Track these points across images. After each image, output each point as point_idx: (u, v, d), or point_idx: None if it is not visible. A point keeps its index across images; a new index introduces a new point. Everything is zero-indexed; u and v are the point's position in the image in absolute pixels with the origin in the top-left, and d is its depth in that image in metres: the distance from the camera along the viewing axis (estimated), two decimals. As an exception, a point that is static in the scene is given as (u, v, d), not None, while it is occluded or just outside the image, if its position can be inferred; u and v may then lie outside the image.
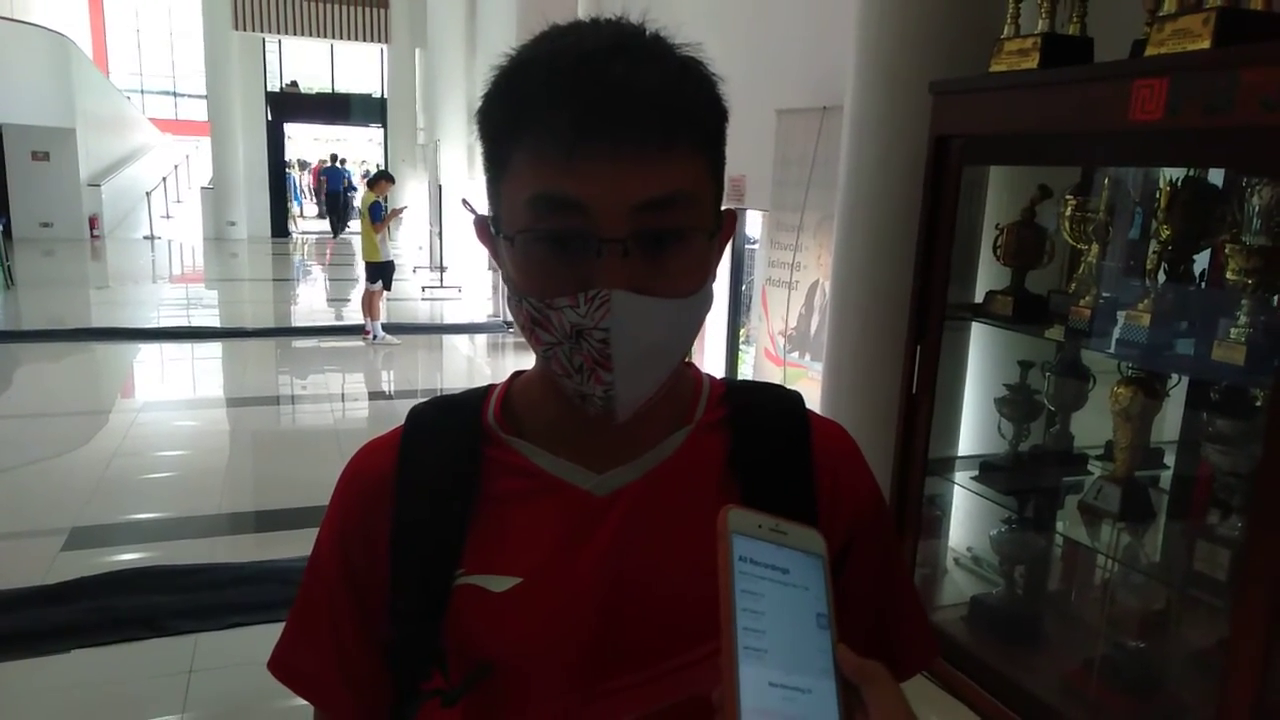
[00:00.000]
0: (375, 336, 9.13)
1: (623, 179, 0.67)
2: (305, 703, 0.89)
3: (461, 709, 0.80)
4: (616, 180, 0.67)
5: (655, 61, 0.71)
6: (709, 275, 0.76)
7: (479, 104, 0.75)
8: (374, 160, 23.36)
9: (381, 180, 9.32)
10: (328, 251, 19.03)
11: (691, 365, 0.90)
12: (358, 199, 22.26)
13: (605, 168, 0.67)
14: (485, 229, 0.79)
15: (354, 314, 9.85)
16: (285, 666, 0.88)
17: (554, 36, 0.73)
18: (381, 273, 9.01)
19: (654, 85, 0.69)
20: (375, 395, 7.79)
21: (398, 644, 0.82)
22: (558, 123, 0.67)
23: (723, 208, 0.79)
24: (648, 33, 0.73)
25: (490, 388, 0.89)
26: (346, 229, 21.74)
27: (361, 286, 9.23)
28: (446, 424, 0.86)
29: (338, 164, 22.84)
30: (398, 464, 0.84)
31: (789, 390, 0.90)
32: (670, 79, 0.70)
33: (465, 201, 9.30)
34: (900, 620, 0.89)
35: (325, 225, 22.69)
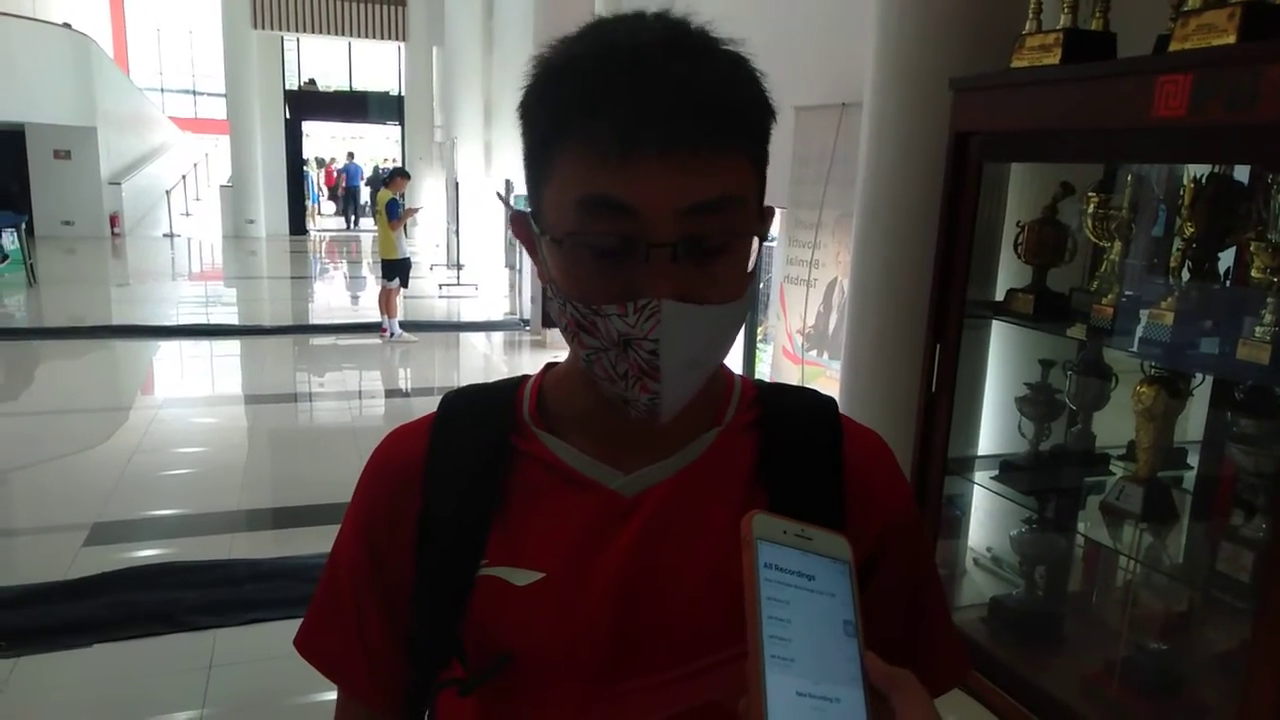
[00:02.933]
0: (392, 334, 9.18)
1: (674, 181, 0.65)
2: (323, 697, 0.89)
3: (479, 702, 0.80)
4: (668, 182, 0.65)
5: (709, 59, 0.69)
6: (752, 278, 0.75)
7: (521, 95, 0.73)
8: (382, 158, 24.55)
9: (397, 177, 9.35)
10: (346, 249, 19.15)
11: (723, 366, 0.89)
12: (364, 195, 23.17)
13: (656, 169, 0.65)
14: (524, 225, 0.77)
15: (371, 311, 9.90)
16: (311, 646, 0.88)
17: (604, 30, 0.70)
18: (398, 270, 9.04)
19: (710, 84, 0.67)
20: (393, 393, 7.83)
21: (418, 631, 0.82)
22: (611, 122, 0.65)
23: None
24: (693, 26, 0.70)
25: (524, 378, 0.88)
26: (357, 224, 22.69)
27: (380, 284, 9.25)
28: (478, 414, 0.85)
29: (354, 161, 24.31)
30: (428, 452, 0.83)
31: (823, 395, 0.89)
32: (724, 77, 0.68)
33: (500, 194, 9.31)
34: (931, 633, 0.87)
35: (342, 223, 23.23)
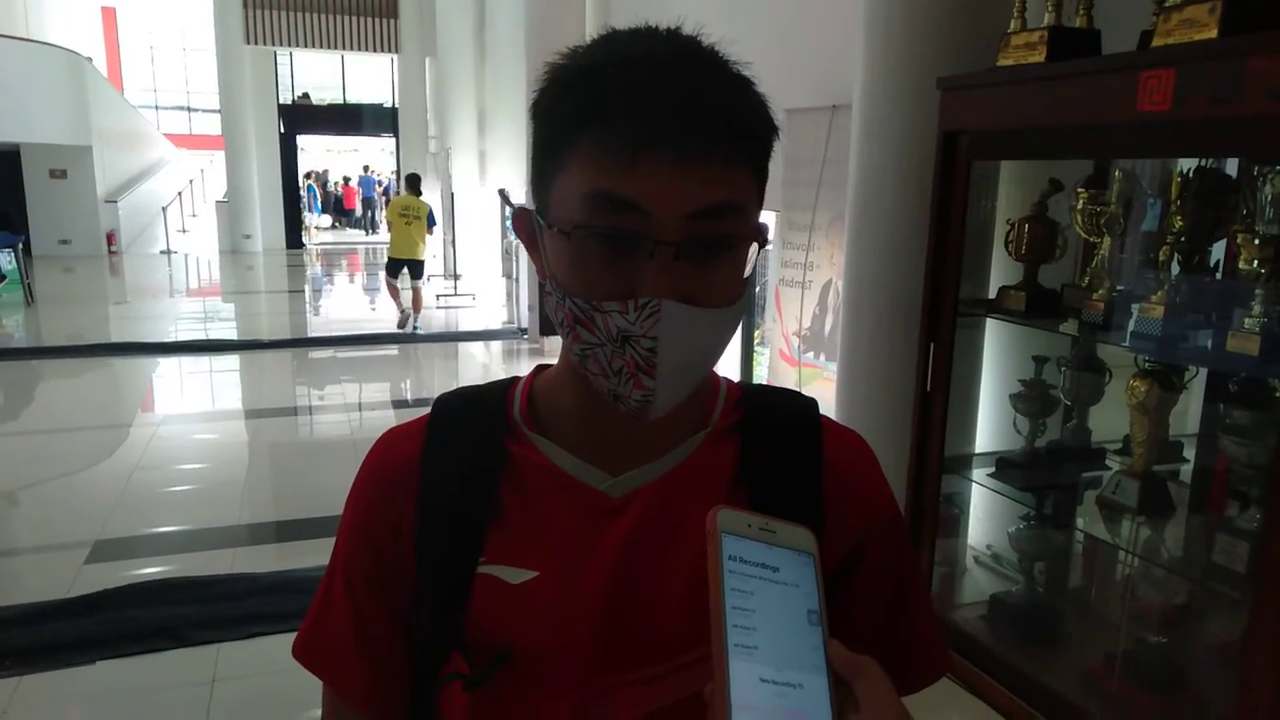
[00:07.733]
0: (416, 326, 10.11)
1: (683, 185, 0.68)
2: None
3: (474, 696, 0.81)
4: (676, 186, 0.68)
5: (720, 75, 0.72)
6: (748, 284, 0.77)
7: (534, 97, 0.76)
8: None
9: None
10: (343, 261, 19.15)
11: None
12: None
13: (668, 173, 0.68)
14: (527, 221, 0.79)
15: (370, 322, 9.95)
16: (310, 653, 0.89)
17: (620, 41, 0.74)
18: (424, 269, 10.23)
19: (722, 99, 0.70)
20: (392, 404, 7.82)
21: (421, 629, 0.84)
22: (627, 124, 0.68)
23: None
24: (702, 43, 0.74)
25: (514, 380, 0.89)
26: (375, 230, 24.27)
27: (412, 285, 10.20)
28: (471, 416, 0.87)
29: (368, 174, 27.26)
30: (423, 452, 0.85)
31: (805, 396, 0.91)
32: (735, 94, 0.72)
33: (502, 192, 9.68)
34: (912, 633, 0.88)
35: (337, 236, 23.53)
